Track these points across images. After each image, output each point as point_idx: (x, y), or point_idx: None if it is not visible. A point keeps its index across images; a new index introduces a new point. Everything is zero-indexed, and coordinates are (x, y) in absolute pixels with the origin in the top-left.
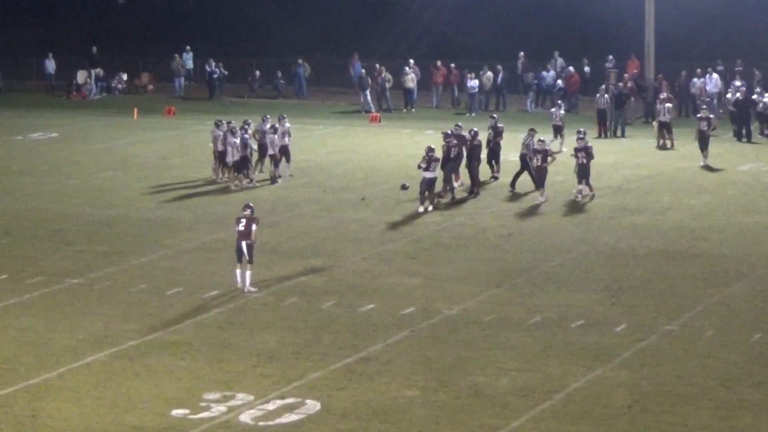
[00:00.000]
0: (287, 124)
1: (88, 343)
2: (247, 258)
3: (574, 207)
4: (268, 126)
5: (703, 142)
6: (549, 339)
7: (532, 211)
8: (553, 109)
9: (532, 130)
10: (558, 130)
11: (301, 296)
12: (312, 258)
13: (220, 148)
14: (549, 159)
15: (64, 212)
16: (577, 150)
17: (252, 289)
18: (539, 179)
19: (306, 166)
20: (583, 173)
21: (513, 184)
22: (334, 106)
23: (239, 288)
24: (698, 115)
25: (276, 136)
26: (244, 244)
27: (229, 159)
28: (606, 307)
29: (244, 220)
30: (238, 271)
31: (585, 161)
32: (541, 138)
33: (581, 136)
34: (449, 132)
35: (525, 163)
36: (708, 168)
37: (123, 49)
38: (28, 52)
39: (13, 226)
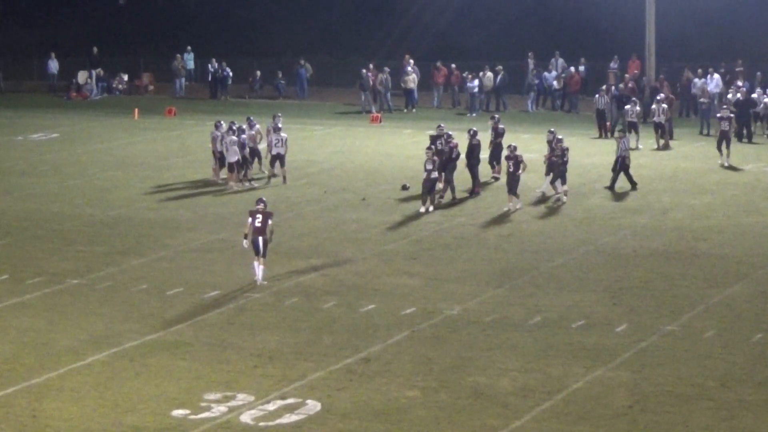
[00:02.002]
0: (280, 124)
1: (88, 344)
2: (262, 252)
3: (574, 208)
4: (269, 126)
5: (726, 142)
6: (550, 339)
7: (533, 211)
8: (628, 107)
9: (621, 131)
10: (633, 127)
11: (302, 296)
12: (313, 258)
13: (219, 148)
14: (521, 166)
15: (65, 212)
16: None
17: (265, 282)
18: (511, 186)
19: (307, 166)
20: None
21: (614, 183)
22: (335, 107)
23: (255, 280)
24: (718, 115)
25: (283, 135)
26: (261, 239)
27: (230, 159)
28: (607, 307)
29: (260, 216)
30: (256, 263)
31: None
32: (513, 144)
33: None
34: (448, 133)
35: (622, 164)
36: (713, 168)
37: (124, 50)
38: (28, 52)
39: (13, 226)
